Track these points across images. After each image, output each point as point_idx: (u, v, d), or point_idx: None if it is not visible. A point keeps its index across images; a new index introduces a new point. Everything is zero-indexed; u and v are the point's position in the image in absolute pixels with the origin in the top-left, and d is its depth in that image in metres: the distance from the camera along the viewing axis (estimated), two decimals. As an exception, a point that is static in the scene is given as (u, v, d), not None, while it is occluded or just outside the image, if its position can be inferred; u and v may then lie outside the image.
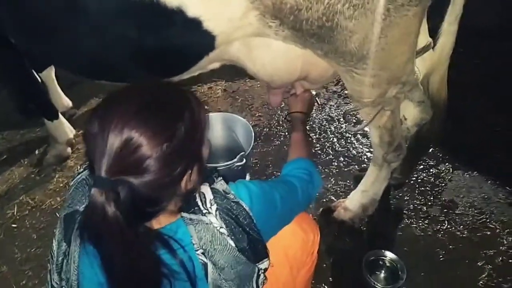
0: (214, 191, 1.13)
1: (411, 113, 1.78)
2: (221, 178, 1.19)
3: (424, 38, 1.71)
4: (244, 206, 1.14)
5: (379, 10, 1.16)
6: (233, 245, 1.08)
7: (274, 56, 1.50)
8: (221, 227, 1.08)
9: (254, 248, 1.12)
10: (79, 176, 1.19)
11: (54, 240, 1.17)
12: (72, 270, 1.09)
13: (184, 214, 1.08)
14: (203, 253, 1.06)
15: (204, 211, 1.09)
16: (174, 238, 1.04)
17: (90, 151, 0.97)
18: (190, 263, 1.05)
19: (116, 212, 0.93)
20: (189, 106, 1.06)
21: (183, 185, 1.05)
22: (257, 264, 1.15)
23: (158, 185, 0.98)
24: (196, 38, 1.37)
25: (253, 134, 2.16)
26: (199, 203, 1.09)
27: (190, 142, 1.04)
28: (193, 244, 1.06)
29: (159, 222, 1.06)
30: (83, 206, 1.09)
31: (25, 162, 2.70)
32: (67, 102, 2.96)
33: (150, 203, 1.01)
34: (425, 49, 1.72)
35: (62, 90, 2.94)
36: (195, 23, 1.30)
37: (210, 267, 1.07)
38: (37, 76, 2.47)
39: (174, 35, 1.37)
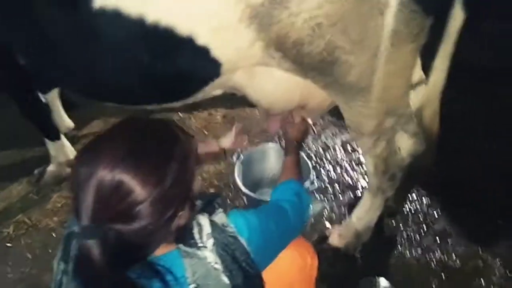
0: (212, 224, 1.11)
1: (405, 144, 1.84)
2: (221, 209, 1.18)
3: (417, 73, 1.79)
4: (242, 241, 1.12)
5: (382, 46, 1.23)
6: (227, 282, 1.06)
7: (275, 85, 1.55)
8: (215, 263, 1.06)
9: (250, 284, 1.11)
10: None
11: (55, 258, 1.15)
12: None
13: (180, 246, 1.07)
14: None
15: (200, 244, 1.07)
16: (168, 270, 1.02)
17: (75, 199, 0.94)
18: None
19: (102, 259, 0.91)
20: (179, 143, 1.04)
21: (173, 225, 1.03)
22: None
23: (147, 232, 0.97)
24: (203, 65, 1.42)
25: (308, 162, 2.26)
26: (196, 236, 1.08)
27: (182, 182, 1.02)
28: (187, 277, 1.03)
29: (154, 253, 1.05)
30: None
31: (24, 181, 2.71)
32: (69, 123, 2.99)
33: (139, 249, 1.00)
34: (418, 83, 1.79)
35: (65, 111, 2.98)
36: (204, 51, 1.36)
37: None
38: (41, 97, 2.52)
39: (183, 61, 1.42)
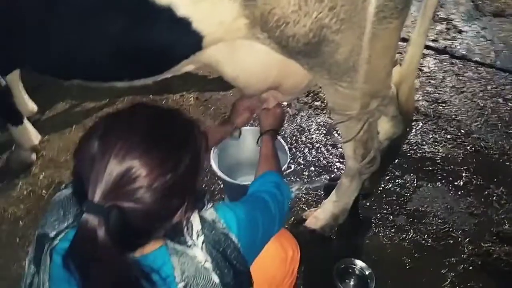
0: (203, 220, 1.09)
1: (384, 127, 1.84)
2: (211, 204, 1.15)
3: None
4: (233, 238, 1.11)
5: (369, 21, 1.20)
6: (217, 281, 1.04)
7: (255, 60, 1.49)
8: (206, 262, 1.04)
9: (239, 281, 1.10)
10: (58, 194, 1.14)
11: (27, 258, 1.11)
12: None
13: (169, 243, 1.04)
14: (184, 287, 1.01)
15: (190, 243, 1.05)
16: (155, 269, 0.99)
17: (84, 172, 0.92)
18: None
19: (106, 238, 0.88)
20: (193, 134, 1.03)
21: (176, 218, 1.00)
22: None
23: (151, 217, 0.94)
24: (184, 38, 1.36)
25: (285, 145, 2.25)
26: (186, 233, 1.05)
27: (192, 174, 1.01)
28: (175, 276, 1.01)
29: (142, 250, 1.01)
30: (54, 232, 1.05)
31: (-13, 168, 2.58)
32: (32, 106, 2.83)
33: (141, 234, 0.97)
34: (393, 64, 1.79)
35: (27, 94, 2.83)
36: (184, 23, 1.29)
37: None
38: (2, 80, 2.37)
39: (160, 33, 1.36)
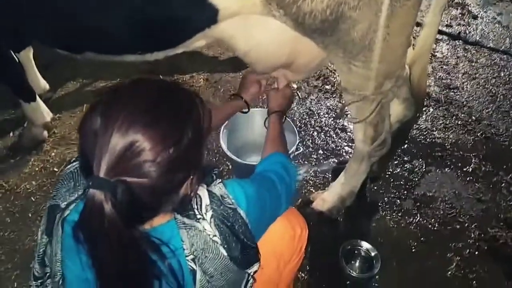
0: (211, 195, 1.10)
1: (395, 110, 1.82)
2: (219, 180, 1.16)
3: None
4: (242, 214, 1.11)
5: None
6: (225, 254, 1.06)
7: (269, 35, 1.48)
8: (214, 235, 1.05)
9: (246, 254, 1.11)
10: (69, 166, 1.16)
11: (39, 229, 1.14)
12: (54, 262, 1.07)
13: (178, 217, 1.05)
14: (193, 260, 1.04)
15: (199, 216, 1.06)
16: (164, 242, 1.01)
17: (88, 148, 0.92)
18: (179, 268, 1.02)
19: (113, 212, 0.89)
20: (196, 109, 1.02)
21: (182, 191, 1.01)
22: (247, 270, 1.14)
23: (157, 191, 0.95)
24: (199, 11, 1.35)
25: (294, 126, 2.26)
26: (194, 207, 1.06)
27: (195, 148, 1.01)
28: (184, 249, 1.03)
29: (151, 223, 1.03)
30: (65, 203, 1.07)
31: (0, 145, 2.61)
32: (44, 84, 2.86)
33: (147, 208, 0.98)
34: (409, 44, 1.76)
35: (39, 72, 2.85)
36: None
37: (199, 274, 1.05)
38: (15, 57, 2.39)
39: (176, 5, 1.35)
